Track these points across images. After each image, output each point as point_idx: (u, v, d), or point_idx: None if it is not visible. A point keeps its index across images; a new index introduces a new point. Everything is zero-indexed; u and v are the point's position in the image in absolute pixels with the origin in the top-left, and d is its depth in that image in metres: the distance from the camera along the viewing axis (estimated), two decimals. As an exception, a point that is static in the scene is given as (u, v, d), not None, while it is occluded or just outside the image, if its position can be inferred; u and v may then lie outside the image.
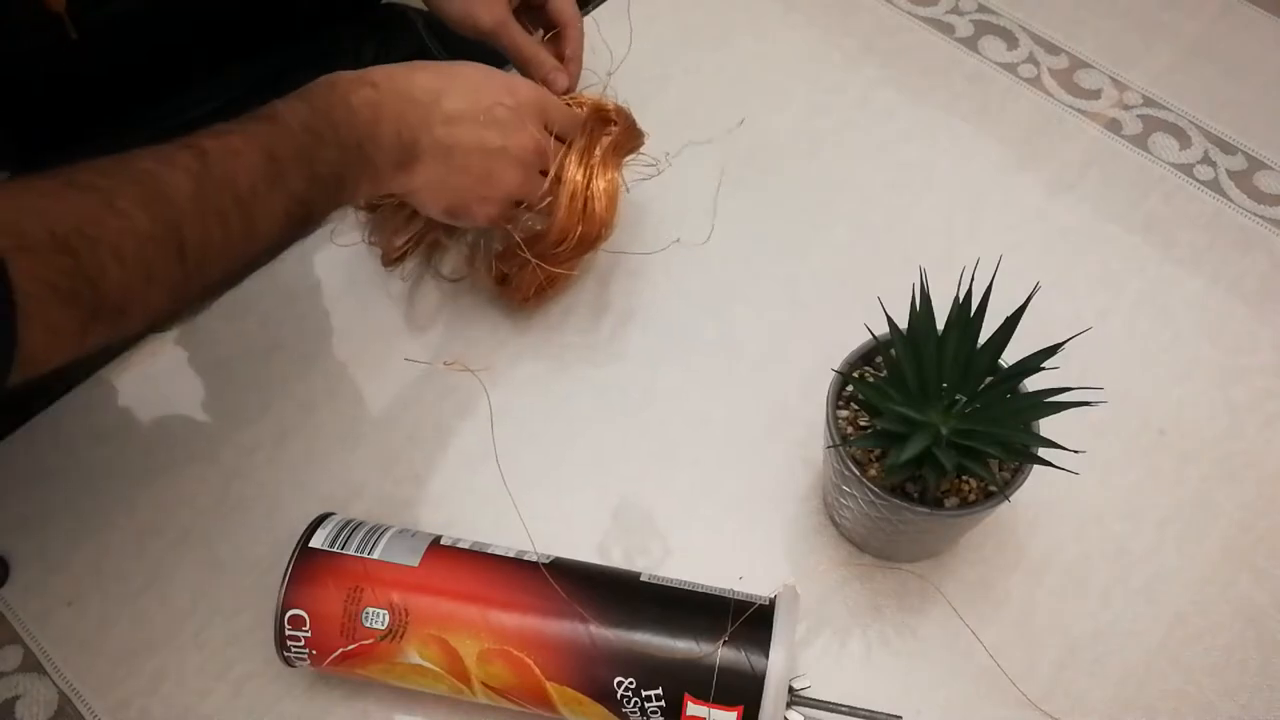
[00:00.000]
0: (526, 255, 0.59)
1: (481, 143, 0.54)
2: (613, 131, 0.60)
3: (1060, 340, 0.46)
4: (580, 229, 0.58)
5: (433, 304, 0.65)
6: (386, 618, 0.47)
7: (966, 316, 0.46)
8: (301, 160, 0.48)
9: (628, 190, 0.62)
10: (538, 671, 0.47)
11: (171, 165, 0.44)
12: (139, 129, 0.84)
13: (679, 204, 0.67)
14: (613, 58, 0.69)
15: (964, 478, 0.50)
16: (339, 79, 0.52)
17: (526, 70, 0.64)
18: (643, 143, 0.63)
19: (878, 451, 0.50)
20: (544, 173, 0.58)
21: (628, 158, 0.62)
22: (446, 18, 0.65)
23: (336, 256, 0.66)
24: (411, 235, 0.64)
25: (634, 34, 0.76)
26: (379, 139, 0.52)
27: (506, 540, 0.52)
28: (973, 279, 0.46)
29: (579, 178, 0.58)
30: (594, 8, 0.78)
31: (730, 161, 0.69)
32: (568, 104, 0.62)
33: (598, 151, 0.59)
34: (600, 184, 0.59)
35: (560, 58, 0.65)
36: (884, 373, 0.52)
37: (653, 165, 0.63)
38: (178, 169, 0.44)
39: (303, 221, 0.50)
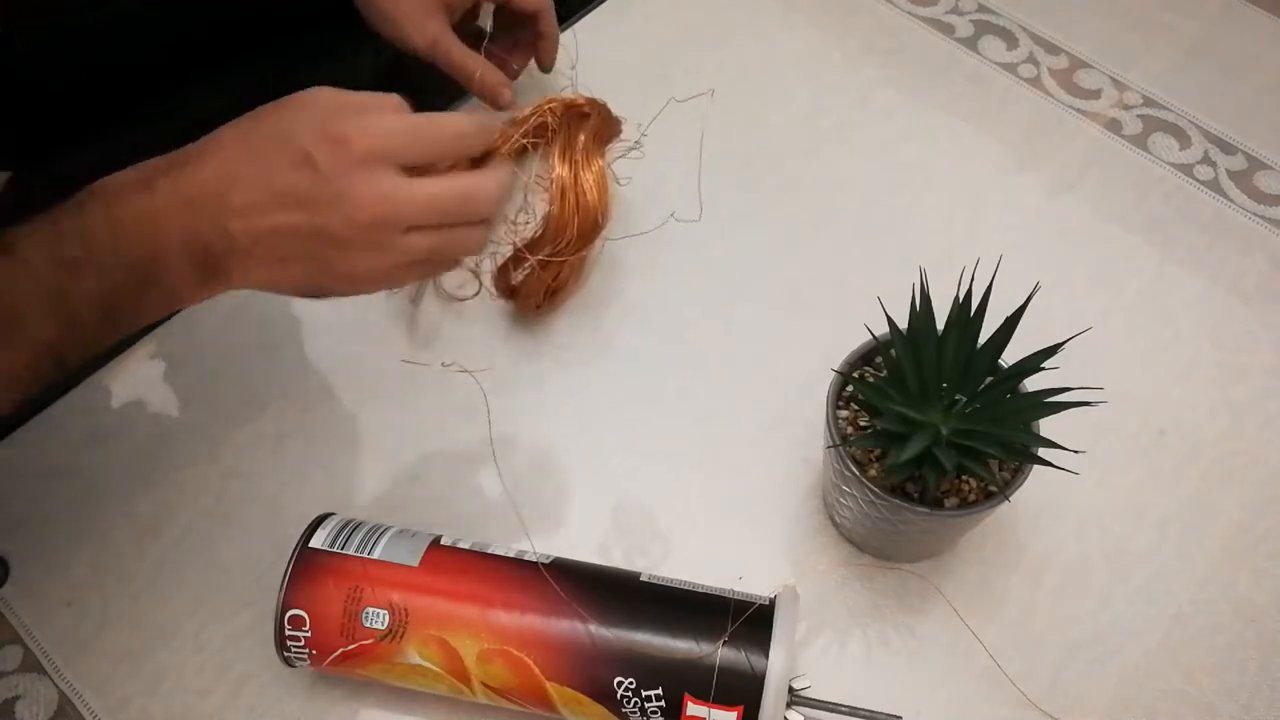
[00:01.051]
0: (530, 259, 0.59)
1: (287, 228, 0.43)
2: (589, 123, 0.60)
3: (1060, 340, 0.46)
4: (577, 222, 0.58)
5: (432, 305, 0.64)
6: (386, 618, 0.47)
7: (966, 316, 0.46)
8: (49, 302, 0.39)
9: (619, 184, 0.62)
10: (538, 671, 0.47)
11: None
12: (139, 128, 0.85)
13: (678, 204, 0.67)
14: (577, 54, 0.70)
15: (964, 478, 0.50)
16: (104, 188, 0.43)
17: (470, 86, 0.62)
18: (621, 129, 0.63)
19: (878, 451, 0.50)
20: (428, 227, 0.46)
21: (610, 145, 0.62)
22: (384, 37, 0.62)
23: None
24: None
25: (635, 34, 0.76)
26: (163, 254, 0.42)
27: (506, 540, 0.52)
28: (973, 279, 0.46)
29: (565, 173, 0.58)
30: (593, 8, 0.78)
31: (730, 162, 0.69)
32: (544, 108, 0.61)
33: (579, 144, 0.59)
34: (588, 176, 0.59)
35: (536, 37, 0.64)
36: (884, 373, 0.52)
37: (637, 148, 0.63)
38: None
39: (56, 369, 0.41)
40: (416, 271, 0.47)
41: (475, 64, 0.61)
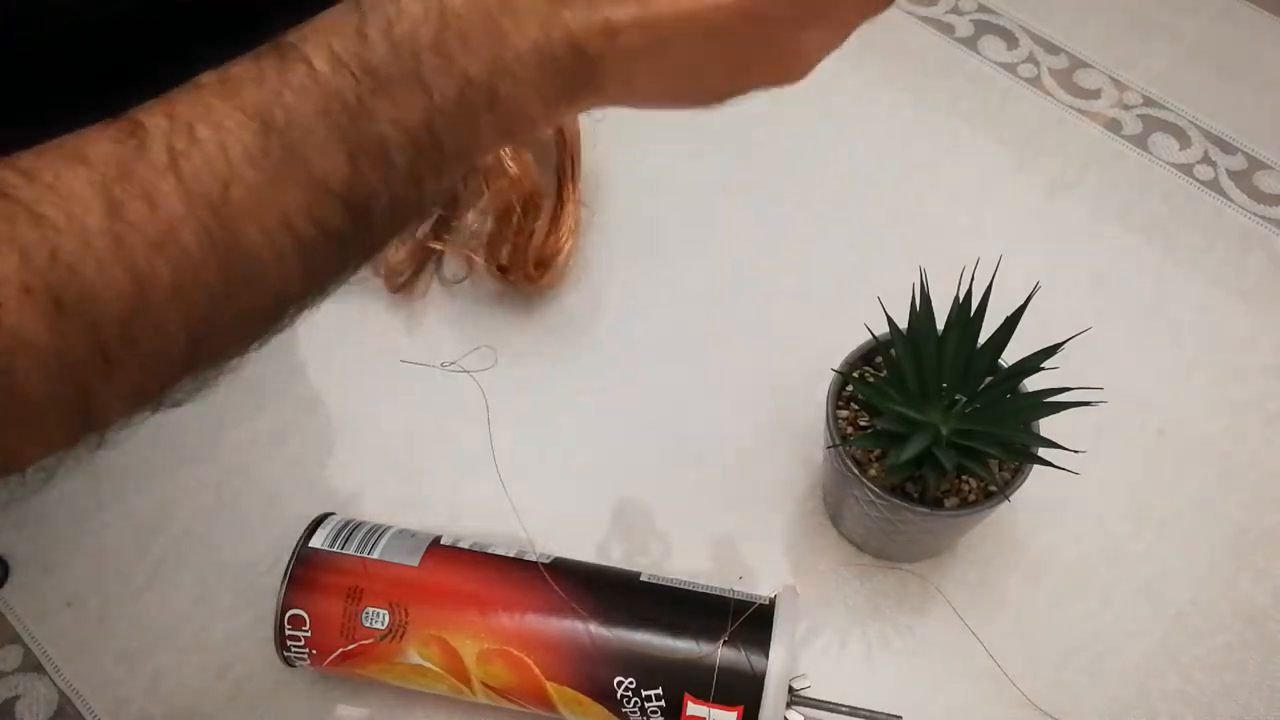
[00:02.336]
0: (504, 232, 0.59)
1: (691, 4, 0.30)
2: None
3: (1060, 340, 0.46)
4: (518, 188, 0.58)
5: (431, 305, 0.64)
6: (386, 618, 0.47)
7: (966, 316, 0.46)
8: (335, 123, 0.28)
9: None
10: (537, 671, 0.47)
11: (65, 160, 0.26)
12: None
13: (677, 203, 0.67)
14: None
15: (964, 478, 0.50)
16: None
17: None
18: None
19: (878, 451, 0.50)
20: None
21: None
22: None
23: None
24: (409, 249, 0.64)
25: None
26: (509, 61, 0.29)
27: (506, 540, 0.52)
28: (973, 279, 0.46)
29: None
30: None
31: (730, 162, 0.69)
32: None
33: None
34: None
35: None
36: (884, 373, 0.52)
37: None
38: (71, 166, 0.26)
39: (361, 228, 0.29)
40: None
41: None
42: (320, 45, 0.28)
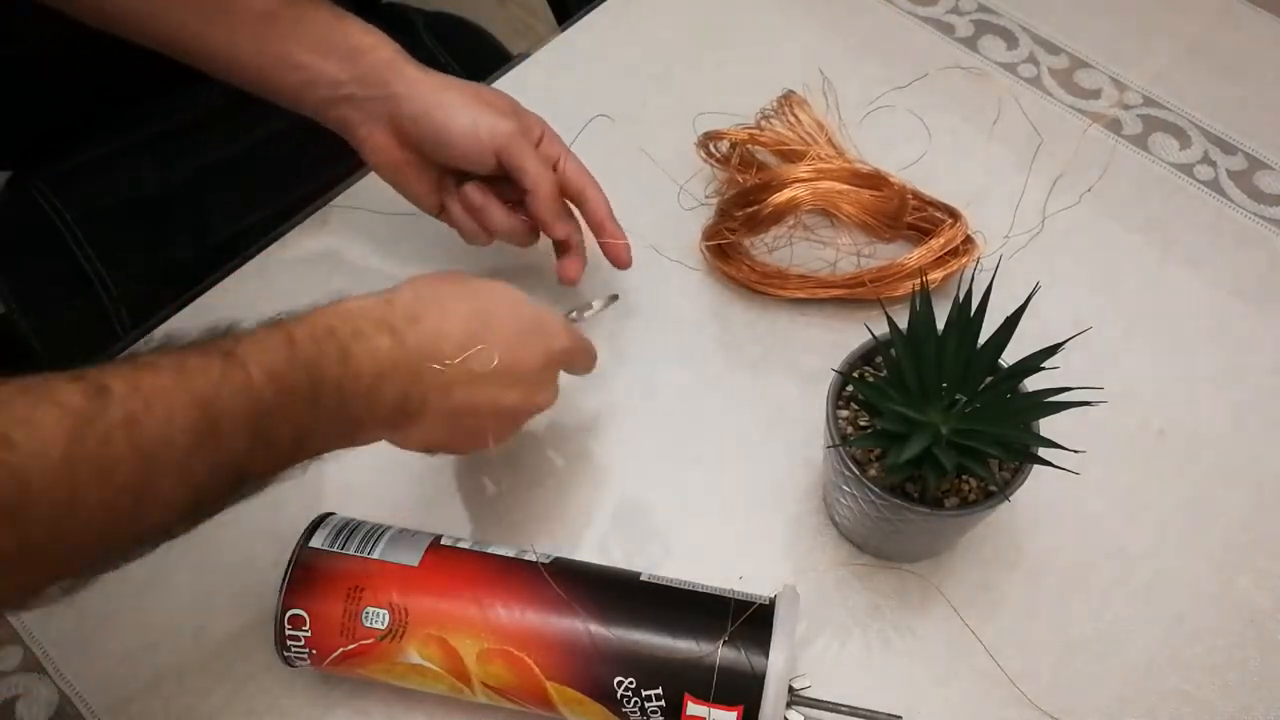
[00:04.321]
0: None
1: (497, 403, 0.48)
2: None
3: (1060, 340, 0.46)
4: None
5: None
6: (386, 618, 0.47)
7: (966, 316, 0.46)
8: (250, 417, 0.38)
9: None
10: (538, 671, 0.47)
11: (39, 400, 0.33)
12: (139, 129, 0.85)
13: (677, 203, 0.67)
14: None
15: (964, 478, 0.50)
16: (348, 315, 0.43)
17: (532, 197, 0.56)
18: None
19: (878, 451, 0.50)
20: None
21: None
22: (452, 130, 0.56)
23: (334, 254, 0.67)
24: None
25: (634, 34, 0.76)
26: (376, 400, 0.43)
27: (506, 540, 0.52)
28: (973, 279, 0.46)
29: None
30: (593, 8, 0.78)
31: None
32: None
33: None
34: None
35: (595, 224, 0.59)
36: (884, 373, 0.52)
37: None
38: (44, 404, 0.33)
39: (233, 491, 0.40)
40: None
41: (548, 173, 0.57)
42: (258, 359, 0.39)
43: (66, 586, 0.36)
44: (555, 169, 0.58)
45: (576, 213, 0.60)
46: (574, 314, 0.60)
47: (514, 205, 0.59)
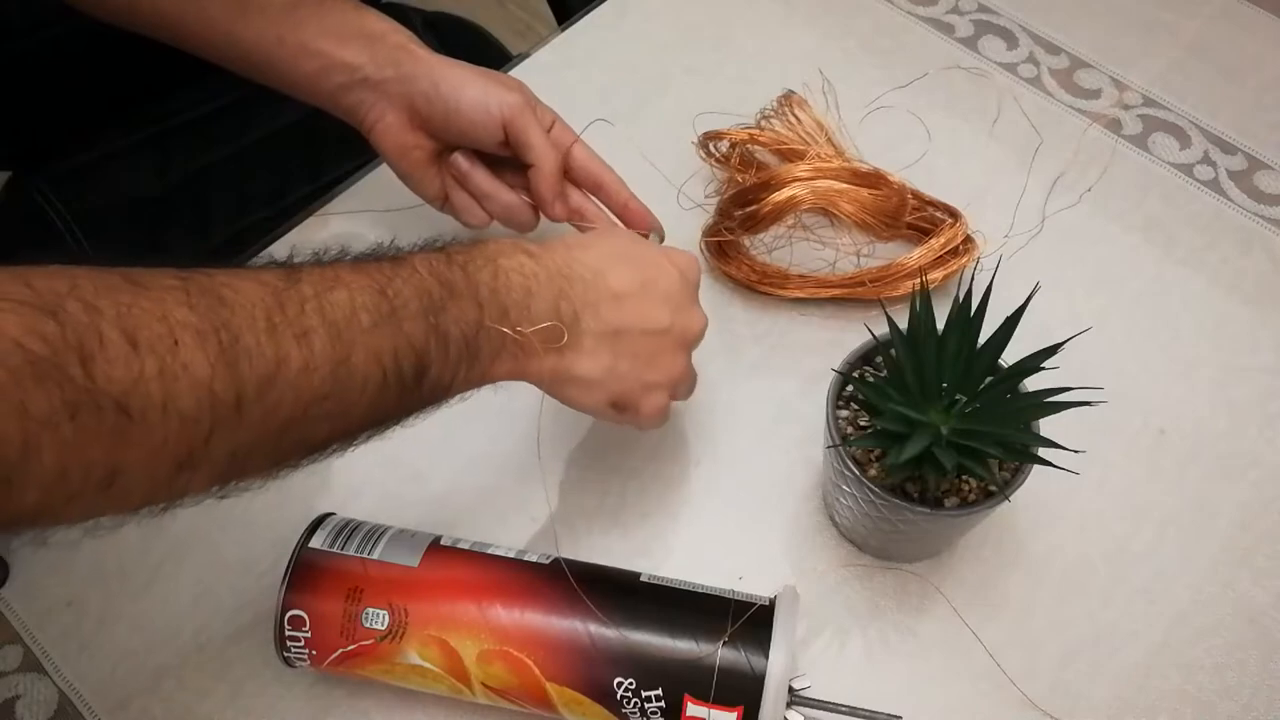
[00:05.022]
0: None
1: (648, 322, 0.48)
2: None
3: (1060, 340, 0.46)
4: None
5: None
6: (386, 618, 0.47)
7: (966, 316, 0.46)
8: (425, 306, 0.41)
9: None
10: (537, 672, 0.47)
11: (240, 276, 0.37)
12: (138, 129, 0.85)
13: (677, 203, 0.67)
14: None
15: (964, 478, 0.50)
16: (488, 240, 0.46)
17: (536, 173, 0.57)
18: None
19: (878, 451, 0.50)
20: None
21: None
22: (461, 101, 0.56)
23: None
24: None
25: (635, 34, 0.76)
26: (532, 310, 0.45)
27: (507, 540, 0.52)
28: (973, 279, 0.46)
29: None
30: (593, 8, 0.78)
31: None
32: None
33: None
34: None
35: (618, 208, 0.59)
36: (884, 373, 0.52)
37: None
38: (246, 279, 0.36)
39: (417, 381, 0.41)
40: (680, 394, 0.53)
41: (551, 150, 0.57)
42: (422, 260, 0.42)
43: (264, 470, 0.39)
44: (564, 155, 0.58)
45: (604, 209, 0.60)
46: None
47: (515, 187, 0.59)
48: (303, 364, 0.36)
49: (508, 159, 0.58)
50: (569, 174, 0.59)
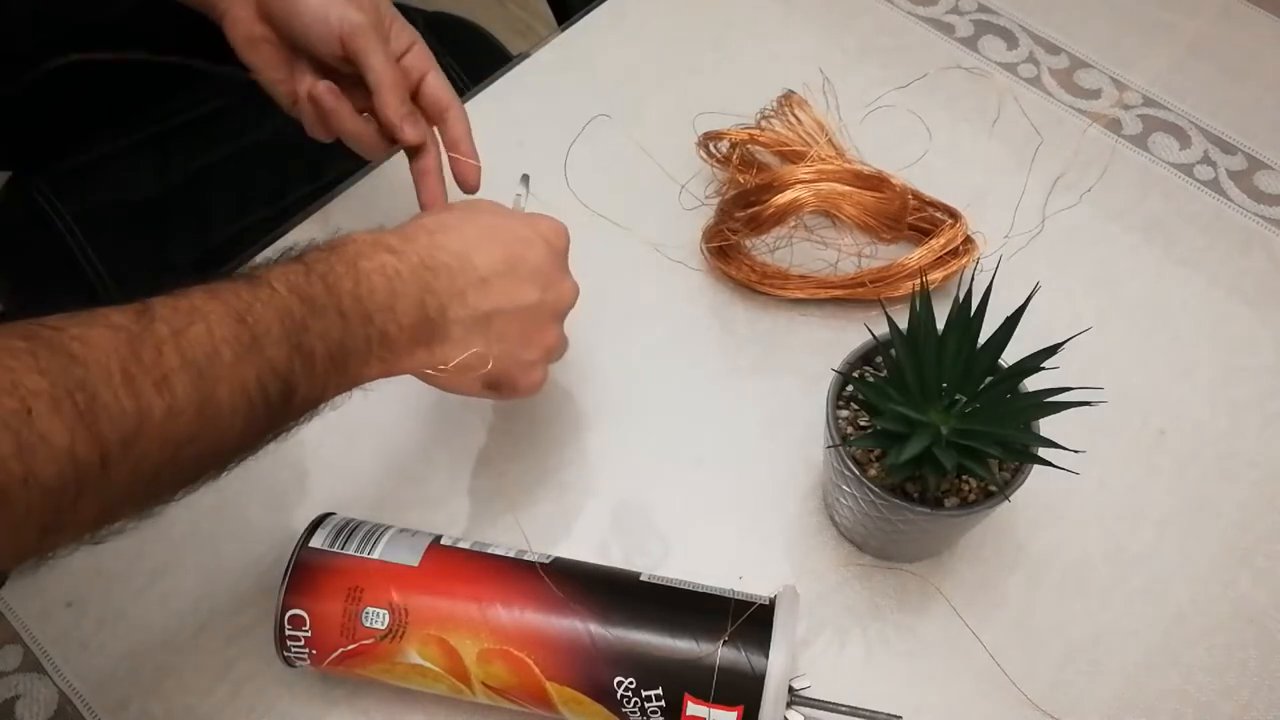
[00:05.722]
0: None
1: (518, 300, 0.48)
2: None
3: (1060, 340, 0.46)
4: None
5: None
6: (386, 618, 0.47)
7: (966, 316, 0.46)
8: (287, 329, 0.40)
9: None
10: (538, 671, 0.47)
11: (91, 324, 0.35)
12: (137, 129, 0.85)
13: (677, 203, 0.67)
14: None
15: (964, 478, 0.50)
16: (349, 239, 0.45)
17: (376, 96, 0.55)
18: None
19: (878, 451, 0.50)
20: None
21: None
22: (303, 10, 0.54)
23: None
24: None
25: (635, 34, 0.76)
26: (398, 312, 0.44)
27: (506, 540, 0.52)
28: (973, 279, 0.46)
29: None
30: (593, 8, 0.78)
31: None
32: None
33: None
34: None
35: (452, 143, 0.57)
36: (884, 373, 0.52)
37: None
38: (97, 326, 0.35)
39: (285, 402, 0.40)
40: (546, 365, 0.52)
41: (394, 72, 0.55)
42: (281, 277, 0.41)
43: (139, 511, 0.38)
44: (416, 80, 0.57)
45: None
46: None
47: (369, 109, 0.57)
48: (166, 410, 0.35)
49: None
50: (418, 103, 0.57)
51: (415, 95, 0.57)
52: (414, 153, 0.57)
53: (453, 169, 0.58)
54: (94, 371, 0.33)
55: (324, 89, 0.55)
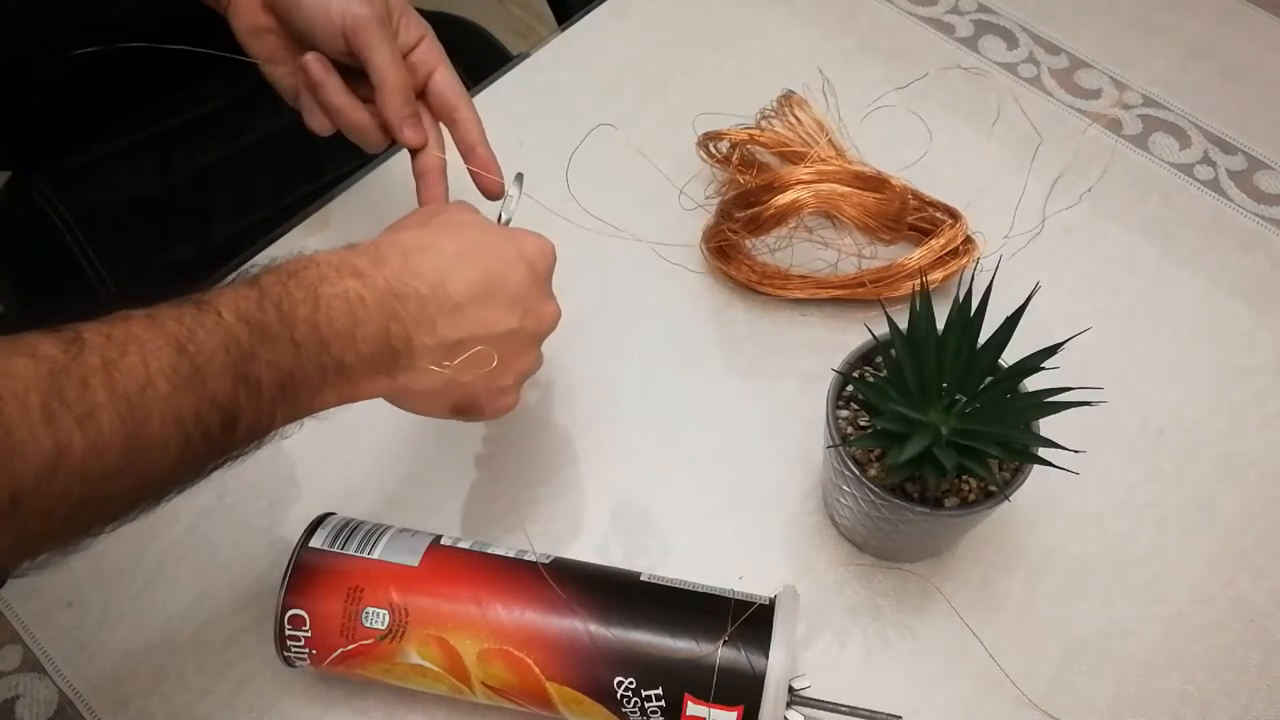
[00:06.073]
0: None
1: (493, 327, 0.45)
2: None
3: (1060, 340, 0.46)
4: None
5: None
6: (386, 618, 0.47)
7: (966, 316, 0.46)
8: (232, 359, 0.37)
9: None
10: (538, 671, 0.47)
11: (15, 352, 0.33)
12: (137, 129, 0.85)
13: (677, 203, 0.67)
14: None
15: (964, 478, 0.50)
16: (311, 262, 0.42)
17: (379, 94, 0.53)
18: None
19: (878, 451, 0.50)
20: None
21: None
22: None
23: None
24: None
25: (635, 34, 0.76)
26: (357, 342, 0.41)
27: (506, 540, 0.52)
28: (973, 279, 0.46)
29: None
30: (593, 8, 0.78)
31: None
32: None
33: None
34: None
35: (465, 148, 0.55)
36: (884, 373, 0.52)
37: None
38: (20, 356, 0.33)
39: (227, 433, 0.38)
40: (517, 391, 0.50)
41: (400, 71, 0.53)
42: (230, 303, 0.39)
43: (63, 545, 0.36)
44: (425, 76, 0.55)
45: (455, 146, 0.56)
46: (502, 217, 0.54)
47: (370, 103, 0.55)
48: (89, 446, 0.33)
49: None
50: (425, 100, 0.56)
51: (423, 92, 0.55)
52: (415, 151, 0.56)
53: (474, 180, 0.56)
54: (11, 405, 0.32)
55: (311, 58, 0.53)
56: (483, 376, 0.46)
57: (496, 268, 0.46)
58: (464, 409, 0.47)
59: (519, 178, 0.56)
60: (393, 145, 0.57)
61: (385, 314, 0.42)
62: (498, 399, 0.48)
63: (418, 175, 0.56)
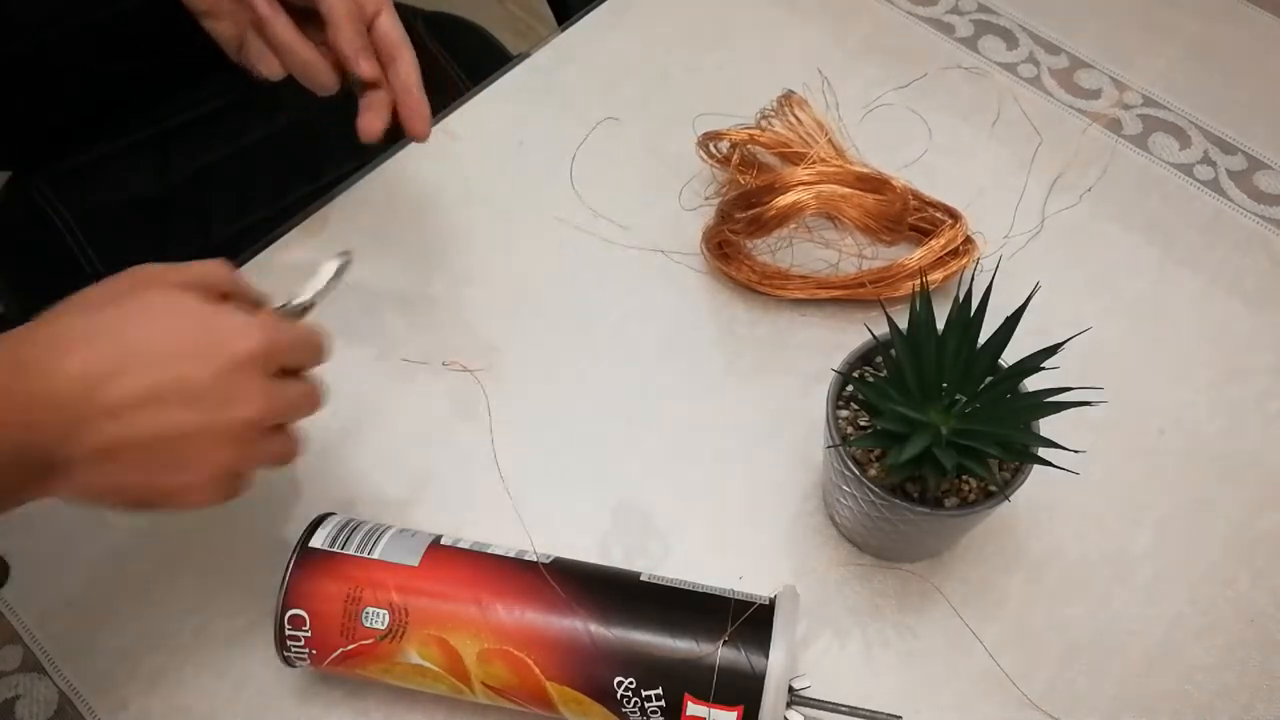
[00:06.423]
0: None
1: (168, 428, 0.41)
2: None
3: (1060, 340, 0.46)
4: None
5: (431, 302, 0.65)
6: (386, 618, 0.47)
7: (966, 316, 0.46)
8: None
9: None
10: (538, 671, 0.47)
11: None
12: (135, 130, 0.85)
13: (678, 203, 0.67)
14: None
15: (964, 478, 0.50)
16: None
17: (330, 27, 0.52)
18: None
19: (878, 451, 0.50)
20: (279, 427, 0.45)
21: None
22: None
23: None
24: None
25: (634, 34, 0.76)
26: None
27: (506, 540, 0.52)
28: (973, 279, 0.46)
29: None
30: (593, 8, 0.78)
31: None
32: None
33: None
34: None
35: (402, 89, 0.55)
36: (884, 373, 0.52)
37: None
38: None
39: None
40: (247, 480, 0.45)
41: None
42: None
43: None
44: (371, 16, 0.55)
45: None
46: (286, 303, 0.50)
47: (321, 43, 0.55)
48: None
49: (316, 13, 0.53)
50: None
51: (368, 33, 0.55)
52: (363, 88, 0.55)
53: (401, 115, 0.55)
54: None
55: None
56: (151, 478, 0.42)
57: (176, 365, 0.41)
58: (150, 505, 0.43)
59: (345, 264, 0.51)
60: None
61: (23, 423, 0.39)
62: (185, 496, 0.43)
63: (362, 109, 0.55)
